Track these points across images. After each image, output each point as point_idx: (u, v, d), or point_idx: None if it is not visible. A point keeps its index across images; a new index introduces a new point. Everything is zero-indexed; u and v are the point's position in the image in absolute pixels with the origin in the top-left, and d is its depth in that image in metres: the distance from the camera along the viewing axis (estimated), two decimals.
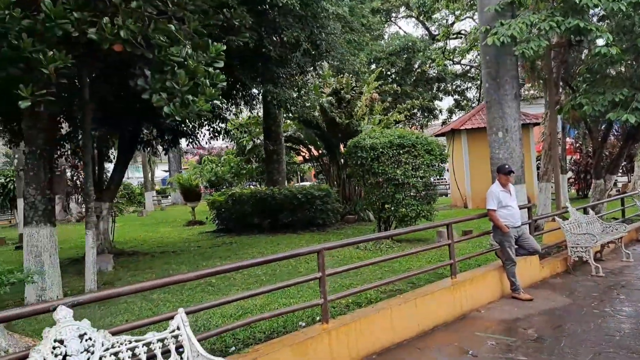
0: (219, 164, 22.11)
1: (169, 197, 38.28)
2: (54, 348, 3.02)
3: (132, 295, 6.87)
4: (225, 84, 6.01)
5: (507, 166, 7.27)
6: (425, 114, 31.97)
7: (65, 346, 3.07)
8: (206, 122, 10.41)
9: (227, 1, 6.78)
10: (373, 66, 29.98)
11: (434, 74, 31.61)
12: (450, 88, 32.59)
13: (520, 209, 8.53)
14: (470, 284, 6.78)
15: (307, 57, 9.31)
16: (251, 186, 20.56)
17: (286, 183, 23.48)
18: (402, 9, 33.14)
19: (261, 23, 8.00)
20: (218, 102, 8.93)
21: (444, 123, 31.21)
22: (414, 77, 32.23)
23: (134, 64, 5.84)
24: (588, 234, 8.41)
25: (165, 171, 43.74)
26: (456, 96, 33.03)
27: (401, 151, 10.05)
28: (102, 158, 11.35)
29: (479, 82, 34.47)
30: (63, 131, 11.42)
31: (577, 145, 21.84)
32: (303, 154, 18.67)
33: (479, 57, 29.47)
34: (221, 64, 6.05)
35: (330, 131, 16.11)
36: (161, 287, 4.50)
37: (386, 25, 35.61)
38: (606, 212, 13.35)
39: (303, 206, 13.59)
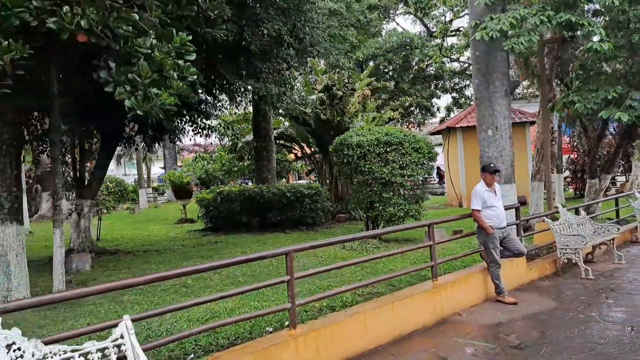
0: (211, 161, 21.85)
1: (165, 195, 38.06)
2: None
3: (101, 296, 6.66)
4: (196, 77, 5.75)
5: (492, 165, 7.02)
6: (423, 112, 31.66)
7: None
8: (189, 118, 10.15)
9: None
10: (371, 63, 29.73)
11: (432, 72, 31.31)
12: (448, 85, 32.27)
13: (508, 209, 8.31)
14: (452, 286, 6.54)
15: (290, 51, 9.04)
16: (243, 184, 20.30)
17: (277, 181, 23.29)
18: (400, 5, 32.84)
19: (242, 15, 7.75)
20: (199, 97, 8.70)
21: (442, 121, 30.92)
22: (412, 75, 31.93)
23: (100, 56, 5.59)
24: (577, 236, 8.15)
25: (163, 168, 43.52)
26: (454, 94, 32.71)
27: (388, 149, 9.80)
28: (83, 154, 11.10)
29: None
30: (46, 126, 11.16)
31: (574, 144, 21.56)
32: (295, 151, 18.41)
33: None
34: (192, 57, 5.80)
35: (321, 128, 15.86)
36: (115, 290, 4.25)
37: (385, 22, 35.32)
38: (601, 212, 13.10)
39: (292, 205, 13.35)
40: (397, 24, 38.30)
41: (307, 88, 16.36)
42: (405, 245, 9.98)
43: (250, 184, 19.74)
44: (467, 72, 32.57)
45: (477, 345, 5.31)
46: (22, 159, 7.45)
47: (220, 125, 12.30)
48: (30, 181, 22.31)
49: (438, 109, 33.17)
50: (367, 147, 9.80)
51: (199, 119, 10.52)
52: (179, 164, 33.71)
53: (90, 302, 6.44)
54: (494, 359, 4.93)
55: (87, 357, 3.15)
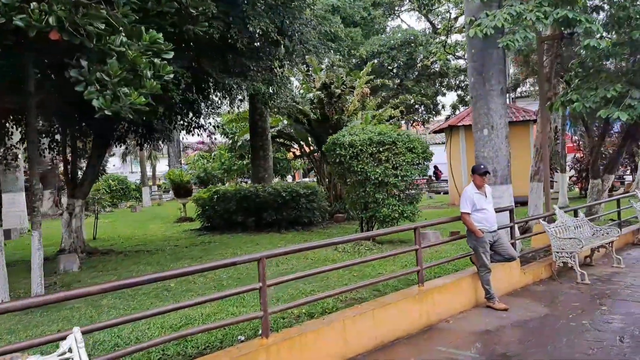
0: (211, 160, 21.73)
1: (170, 192, 38.06)
2: None
3: (81, 300, 6.53)
4: (172, 75, 5.58)
5: (482, 166, 6.80)
6: (427, 110, 31.34)
7: None
8: (180, 118, 9.99)
9: None
10: (375, 61, 29.43)
11: (437, 69, 30.97)
12: (453, 83, 31.91)
13: (501, 211, 8.09)
14: (439, 292, 6.33)
15: (280, 49, 8.85)
16: (243, 183, 20.17)
17: (283, 179, 23.12)
18: (406, 1, 32.52)
19: (229, 12, 7.57)
20: (186, 96, 8.54)
21: (447, 119, 30.59)
22: (416, 72, 31.62)
23: (74, 54, 5.45)
24: (573, 239, 7.90)
25: (168, 166, 43.55)
26: (459, 92, 32.34)
27: (381, 149, 9.59)
28: (76, 154, 11.00)
29: None
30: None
31: (580, 143, 21.18)
32: (294, 150, 18.23)
33: None
34: (170, 55, 5.64)
35: (320, 127, 15.67)
36: (75, 298, 4.09)
37: (390, 19, 35.00)
38: (604, 214, 12.80)
39: (288, 204, 13.18)
40: (402, 20, 38.00)
41: (305, 86, 16.18)
42: (400, 247, 9.77)
43: (249, 182, 19.63)
44: None
45: (461, 355, 5.11)
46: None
47: (211, 124, 12.12)
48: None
49: (443, 107, 32.83)
50: (360, 147, 9.60)
51: (189, 118, 10.35)
52: (183, 162, 33.66)
53: (69, 305, 6.32)
54: None
55: None
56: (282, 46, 8.63)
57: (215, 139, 25.15)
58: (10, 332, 5.34)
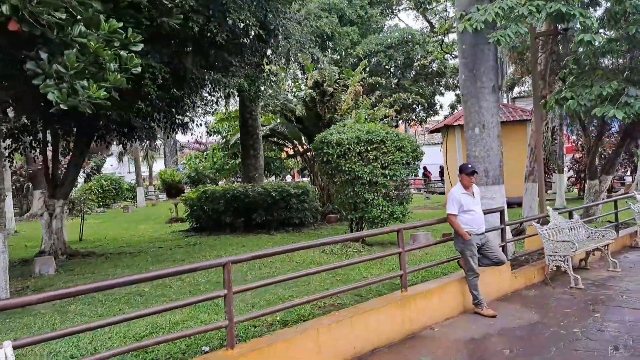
0: (203, 159, 21.42)
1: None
2: None
3: (49, 305, 6.25)
4: (140, 68, 5.28)
5: (469, 166, 6.49)
6: (425, 109, 31.03)
7: None
8: (162, 114, 9.66)
9: None
10: (376, 60, 29.15)
11: (435, 69, 30.66)
12: (451, 83, 31.59)
13: (490, 212, 7.79)
14: (423, 297, 6.03)
15: (262, 44, 8.55)
16: (236, 182, 19.86)
17: (281, 179, 22.85)
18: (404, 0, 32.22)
19: (208, 5, 7.27)
20: (163, 93, 8.24)
21: (445, 119, 30.25)
22: (414, 72, 31.32)
23: (34, 46, 5.15)
24: (567, 242, 7.59)
25: (165, 166, 43.25)
26: (457, 91, 32.01)
27: (369, 147, 9.29)
28: (57, 152, 10.69)
29: None
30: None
31: (578, 143, 20.87)
32: (287, 149, 17.93)
33: None
34: (138, 47, 5.35)
35: (313, 126, 15.37)
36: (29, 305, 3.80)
37: (388, 19, 34.70)
38: (601, 215, 12.48)
39: (278, 204, 12.89)
40: (400, 19, 37.69)
41: (297, 84, 15.90)
42: (390, 249, 9.46)
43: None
44: None
45: None
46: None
47: (195, 123, 11.79)
48: (22, 179, 22.09)
49: (441, 107, 32.51)
50: (348, 146, 9.30)
51: (172, 116, 10.02)
52: (179, 161, 33.37)
53: (34, 311, 6.02)
54: None
55: None
56: (263, 41, 8.31)
57: (211, 138, 24.90)
58: None
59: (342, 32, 26.39)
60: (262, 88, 9.27)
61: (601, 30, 9.39)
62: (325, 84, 14.80)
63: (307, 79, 16.11)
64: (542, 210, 9.38)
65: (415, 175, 10.13)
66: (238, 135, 17.39)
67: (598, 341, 5.21)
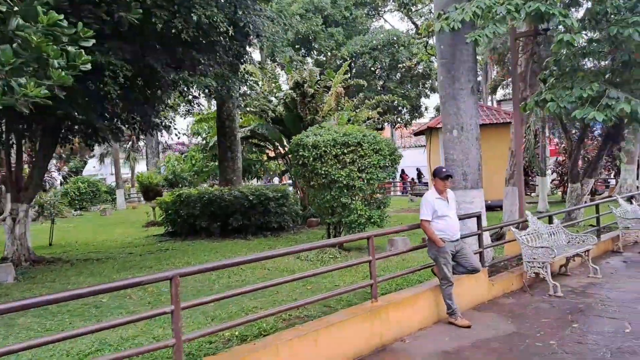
0: (182, 161, 20.99)
1: None
2: None
3: None
4: (89, 65, 4.92)
5: (444, 169, 6.20)
6: (411, 112, 30.88)
7: None
8: (130, 115, 9.26)
9: None
10: (358, 61, 28.93)
11: (420, 71, 30.55)
12: (437, 85, 31.46)
13: (466, 217, 7.55)
14: (395, 308, 5.74)
15: (234, 42, 8.21)
16: (215, 185, 19.42)
17: (270, 181, 22.48)
18: (390, 1, 32.08)
19: (174, 0, 6.93)
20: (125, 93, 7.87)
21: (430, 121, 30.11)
22: (400, 74, 31.19)
23: None
24: (545, 248, 7.35)
25: (147, 167, 42.59)
26: None
27: (346, 150, 9.00)
28: (20, 154, 10.25)
29: None
30: None
31: (562, 145, 20.81)
32: (269, 151, 17.59)
33: None
34: (89, 43, 4.99)
35: (294, 127, 15.05)
36: None
37: (375, 20, 34.56)
38: (583, 219, 12.32)
39: (256, 208, 12.54)
40: (386, 21, 37.51)
41: (277, 84, 15.59)
42: (367, 255, 9.17)
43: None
44: None
45: None
46: None
47: (165, 124, 11.33)
48: None
49: (426, 109, 32.41)
50: (324, 148, 9.00)
51: (140, 116, 9.60)
52: (159, 163, 32.83)
53: None
54: None
55: None
56: (233, 39, 7.97)
57: (195, 139, 24.46)
58: None
59: (326, 33, 26.16)
60: (235, 88, 8.88)
61: (583, 32, 9.19)
62: (306, 85, 14.49)
63: (288, 79, 15.79)
64: (521, 215, 9.16)
65: (393, 179, 9.83)
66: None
67: (575, 354, 4.96)
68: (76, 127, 9.83)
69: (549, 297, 7.10)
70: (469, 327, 5.92)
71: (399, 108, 30.67)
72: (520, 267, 7.87)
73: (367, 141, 9.09)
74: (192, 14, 6.72)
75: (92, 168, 51.25)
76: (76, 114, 7.69)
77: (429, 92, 32.45)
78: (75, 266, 9.51)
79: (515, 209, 10.50)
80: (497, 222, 10.49)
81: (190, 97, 10.32)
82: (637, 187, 17.33)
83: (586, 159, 16.66)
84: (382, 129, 34.71)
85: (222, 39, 8.23)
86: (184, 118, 19.91)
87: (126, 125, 10.04)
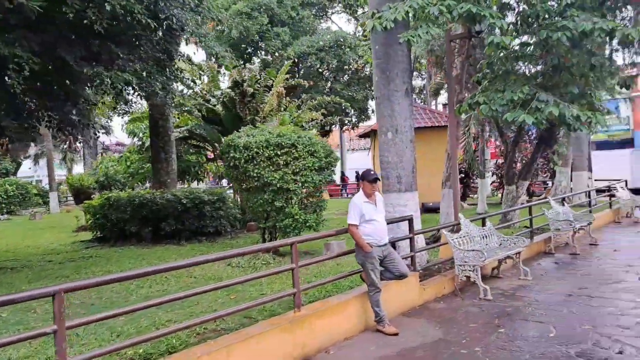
0: (116, 163, 20.00)
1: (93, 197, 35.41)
2: None
3: None
4: None
5: (372, 172, 5.99)
6: (355, 113, 30.95)
7: None
8: (41, 112, 8.52)
9: None
10: (307, 62, 28.68)
11: (367, 73, 30.67)
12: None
13: (396, 221, 7.41)
14: (319, 317, 5.47)
15: (155, 35, 7.72)
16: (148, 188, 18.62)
17: (197, 185, 21.76)
18: (337, 2, 32.05)
19: None
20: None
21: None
22: (347, 76, 31.21)
23: None
24: (476, 251, 7.30)
25: (84, 169, 40.70)
26: None
27: (279, 152, 8.68)
28: None
29: None
30: None
31: (502, 148, 21.33)
32: (208, 152, 17.00)
33: None
34: None
35: (233, 128, 14.53)
36: None
37: (322, 21, 34.45)
38: (518, 221, 12.54)
39: (190, 212, 11.99)
40: (333, 22, 37.51)
41: (215, 84, 15.09)
42: (305, 258, 8.87)
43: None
44: None
45: None
46: None
47: (81, 119, 10.55)
48: None
49: (373, 111, 32.57)
50: (256, 150, 8.64)
51: (55, 114, 8.86)
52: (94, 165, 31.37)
53: None
54: None
55: None
56: (153, 31, 7.45)
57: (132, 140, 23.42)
58: None
59: (272, 33, 25.79)
60: (158, 85, 8.34)
61: (517, 36, 9.28)
62: (245, 84, 14.06)
63: (229, 77, 15.29)
64: (456, 217, 9.13)
65: (329, 182, 9.59)
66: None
67: None
68: None
69: (479, 300, 7.05)
70: (396, 334, 5.74)
71: (346, 110, 30.68)
72: (454, 270, 7.80)
73: (301, 143, 8.80)
74: (105, 4, 6.20)
75: (28, 169, 48.51)
76: None
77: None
78: None
79: (452, 211, 10.49)
80: (435, 224, 10.48)
81: (113, 93, 9.58)
82: (571, 189, 17.91)
83: (524, 161, 17.09)
84: (330, 131, 34.65)
85: (147, 32, 7.71)
86: (121, 117, 18.92)
87: (41, 124, 9.25)
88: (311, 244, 10.21)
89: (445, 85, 20.48)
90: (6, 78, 6.60)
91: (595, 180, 19.11)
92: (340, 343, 5.58)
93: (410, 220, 7.24)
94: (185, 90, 13.17)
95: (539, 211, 11.19)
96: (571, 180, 18.29)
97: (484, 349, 5.19)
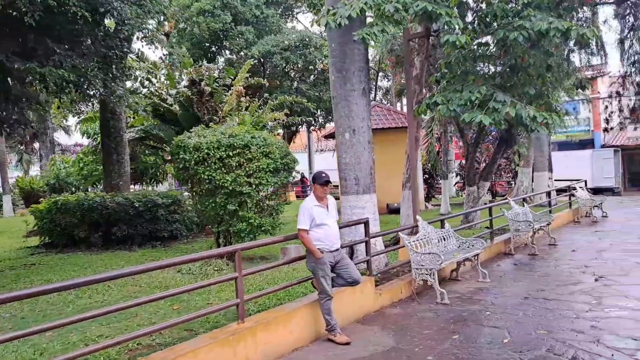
0: (69, 164, 19.17)
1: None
2: None
3: None
4: None
5: (323, 175, 5.72)
6: (322, 114, 30.72)
7: None
8: None
9: None
10: (272, 61, 28.22)
11: None
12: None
13: (352, 224, 7.18)
14: (265, 328, 5.15)
15: (98, 30, 7.26)
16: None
17: (156, 187, 21.10)
18: (303, 2, 31.76)
19: None
20: None
21: None
22: (314, 76, 30.92)
23: None
24: (432, 254, 7.12)
25: (40, 170, 39.19)
26: None
27: (231, 153, 8.31)
28: None
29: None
30: None
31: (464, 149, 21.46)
32: (165, 153, 16.43)
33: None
34: None
35: (191, 128, 14.01)
36: None
37: (288, 20, 34.09)
38: (479, 222, 12.51)
39: (142, 216, 11.48)
40: (299, 21, 37.17)
41: (171, 82, 14.58)
42: (262, 264, 8.53)
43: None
44: (371, 76, 32.03)
45: None
46: None
47: (22, 121, 9.93)
48: None
49: None
50: (207, 151, 8.26)
51: None
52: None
53: None
54: None
55: None
56: (88, 23, 6.98)
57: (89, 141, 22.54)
58: None
59: (235, 31, 25.31)
60: (98, 83, 7.85)
61: (475, 36, 9.17)
62: (202, 83, 13.61)
63: (186, 74, 14.78)
64: (414, 219, 8.96)
65: (284, 184, 9.27)
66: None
67: None
68: None
69: (435, 305, 6.86)
70: (348, 343, 5.48)
71: (312, 111, 30.38)
72: (410, 274, 7.60)
73: (255, 143, 8.45)
74: None
75: None
76: None
77: None
78: None
79: (411, 212, 10.34)
80: (397, 226, 10.31)
81: (53, 91, 8.96)
82: (533, 189, 18.11)
83: (486, 162, 17.19)
84: (296, 131, 34.29)
85: (88, 27, 7.22)
86: (76, 117, 18.14)
87: None
88: (268, 248, 9.90)
89: None
90: None
91: (556, 180, 19.40)
92: (287, 355, 5.28)
93: (366, 224, 7.01)
94: (140, 89, 12.64)
95: (500, 212, 11.16)
96: (532, 181, 18.49)
97: (437, 358, 4.98)
